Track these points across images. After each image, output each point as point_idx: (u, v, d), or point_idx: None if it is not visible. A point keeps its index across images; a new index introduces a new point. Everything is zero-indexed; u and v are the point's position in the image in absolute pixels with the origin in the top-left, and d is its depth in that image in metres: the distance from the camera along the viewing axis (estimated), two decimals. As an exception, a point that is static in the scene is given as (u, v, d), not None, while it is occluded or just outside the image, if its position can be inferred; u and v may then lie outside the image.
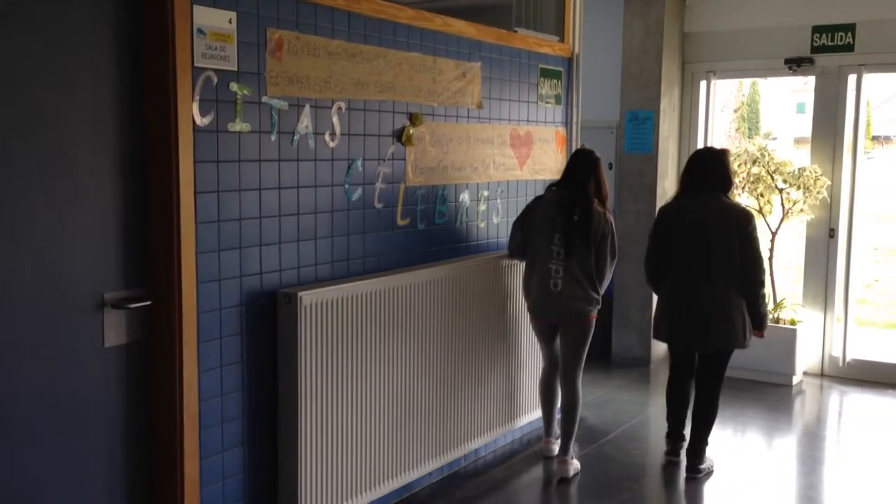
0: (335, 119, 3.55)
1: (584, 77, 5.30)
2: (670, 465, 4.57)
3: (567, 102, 5.20)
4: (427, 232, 4.15)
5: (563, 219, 4.22)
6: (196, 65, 2.93)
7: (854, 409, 5.74)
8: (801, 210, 6.06)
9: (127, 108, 2.86)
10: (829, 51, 6.06)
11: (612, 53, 6.54)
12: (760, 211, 6.12)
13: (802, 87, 15.02)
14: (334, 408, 3.44)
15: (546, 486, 4.38)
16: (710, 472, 4.44)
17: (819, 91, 6.24)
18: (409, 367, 3.85)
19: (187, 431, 3.00)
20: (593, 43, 5.94)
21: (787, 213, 6.10)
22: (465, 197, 4.40)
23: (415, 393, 3.90)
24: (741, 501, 4.18)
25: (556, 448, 4.50)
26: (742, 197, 6.11)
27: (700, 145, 6.53)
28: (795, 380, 6.06)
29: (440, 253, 4.23)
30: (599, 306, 4.32)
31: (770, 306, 6.08)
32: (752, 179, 6.12)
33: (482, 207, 4.55)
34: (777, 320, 6.08)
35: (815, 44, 6.11)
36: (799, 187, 5.99)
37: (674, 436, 4.62)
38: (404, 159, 3.96)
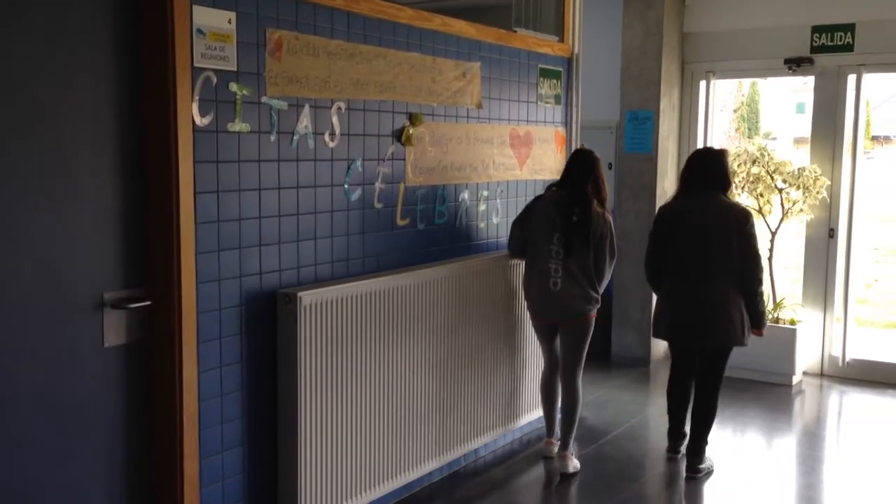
0: (335, 119, 3.55)
1: (583, 77, 5.30)
2: (671, 464, 4.57)
3: (567, 102, 5.20)
4: (427, 232, 4.15)
5: (563, 219, 4.24)
6: (195, 65, 2.93)
7: (854, 408, 5.74)
8: (801, 210, 6.06)
9: (127, 108, 2.86)
10: (828, 51, 6.07)
11: (612, 53, 6.54)
12: (760, 211, 6.12)
13: (802, 87, 15.02)
14: (334, 408, 3.44)
15: (546, 487, 4.38)
16: (709, 472, 4.44)
17: (818, 91, 6.24)
18: (409, 368, 3.85)
19: (187, 431, 3.00)
20: (593, 43, 5.94)
21: (787, 213, 6.10)
22: (464, 197, 4.40)
23: (414, 393, 3.90)
24: (741, 501, 4.18)
25: (556, 449, 4.50)
26: (742, 197, 6.11)
27: (700, 145, 6.53)
28: (795, 380, 6.06)
29: (440, 253, 4.23)
30: (599, 305, 4.34)
31: (770, 306, 6.08)
32: (751, 179, 6.12)
33: (482, 207, 4.55)
34: (777, 320, 6.08)
35: (814, 44, 6.11)
36: (798, 187, 5.99)
37: (675, 434, 4.63)
38: (404, 159, 3.96)
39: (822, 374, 6.29)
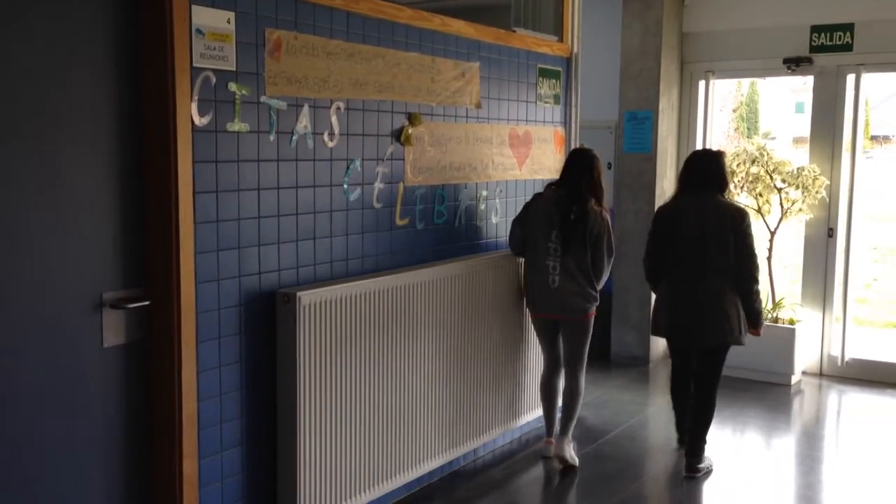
0: (334, 119, 3.55)
1: (582, 77, 5.30)
2: (671, 463, 4.59)
3: (566, 102, 5.20)
4: (426, 232, 4.15)
5: (560, 217, 4.28)
6: (194, 65, 2.93)
7: (853, 408, 5.74)
8: (800, 210, 6.06)
9: (125, 107, 2.86)
10: (827, 50, 6.07)
11: (611, 53, 6.54)
12: (759, 210, 6.13)
13: (801, 87, 15.03)
14: (333, 408, 3.44)
15: (545, 486, 4.39)
16: (708, 472, 4.44)
17: (818, 91, 6.24)
18: (408, 367, 3.85)
19: (186, 431, 3.00)
20: (592, 43, 5.94)
21: (786, 212, 6.10)
22: (463, 197, 4.40)
23: (413, 393, 3.90)
24: (740, 501, 4.18)
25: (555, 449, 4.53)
26: (741, 196, 6.12)
27: (699, 145, 6.56)
28: (794, 379, 6.06)
29: (439, 253, 4.23)
30: (598, 303, 4.39)
31: (769, 306, 6.08)
32: (750, 179, 6.12)
33: (481, 207, 4.55)
34: (776, 320, 6.08)
35: (813, 43, 6.11)
36: (798, 187, 5.99)
37: (682, 427, 4.70)
38: (403, 159, 3.96)
39: (821, 374, 6.29)
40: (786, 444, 5.06)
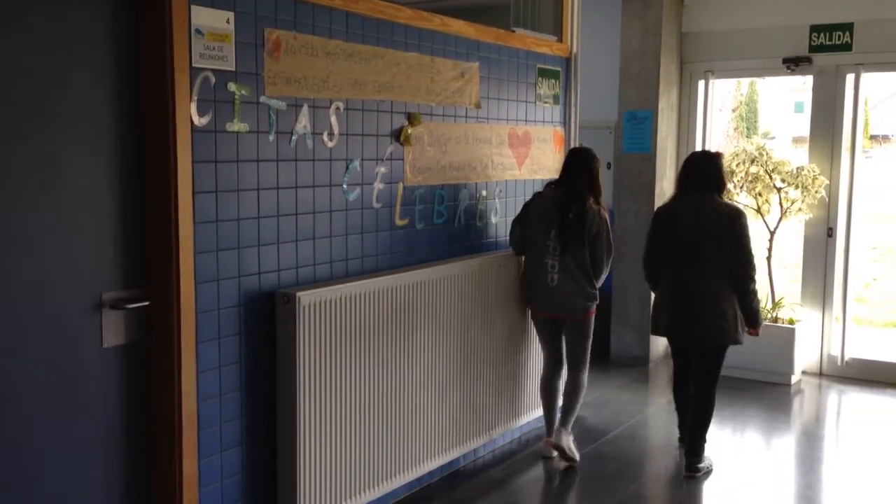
0: (333, 119, 3.55)
1: (582, 77, 5.30)
2: (671, 463, 4.60)
3: (565, 102, 5.21)
4: (425, 232, 4.15)
5: (559, 215, 4.31)
6: (194, 65, 2.93)
7: (852, 408, 5.74)
8: (800, 209, 6.06)
9: (125, 108, 2.86)
10: (826, 50, 6.07)
11: (611, 53, 6.54)
12: (759, 210, 6.13)
13: (801, 87, 15.03)
14: (333, 408, 3.44)
15: (545, 486, 4.39)
16: (708, 472, 4.44)
17: (817, 90, 6.24)
18: (408, 368, 3.85)
19: (186, 432, 3.00)
20: (591, 43, 5.94)
21: (786, 212, 6.10)
22: (463, 197, 4.40)
23: (413, 393, 3.90)
24: (740, 501, 4.18)
25: (555, 451, 4.53)
26: (740, 196, 6.12)
27: (699, 145, 6.58)
28: (794, 379, 6.06)
29: (438, 253, 4.23)
30: (597, 301, 4.43)
31: (769, 306, 6.09)
32: (750, 179, 6.12)
33: (481, 207, 4.55)
34: (776, 320, 6.08)
35: (812, 43, 6.11)
36: (797, 186, 5.99)
37: (683, 428, 4.72)
38: (402, 159, 3.96)
39: (820, 374, 6.29)
40: (786, 444, 5.06)
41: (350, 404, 3.53)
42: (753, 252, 4.33)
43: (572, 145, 5.18)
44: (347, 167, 3.64)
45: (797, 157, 7.02)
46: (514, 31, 4.73)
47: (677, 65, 6.61)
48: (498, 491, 4.21)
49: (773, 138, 18.13)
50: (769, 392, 5.85)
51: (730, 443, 4.99)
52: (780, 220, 6.15)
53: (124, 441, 2.95)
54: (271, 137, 3.27)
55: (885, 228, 12.88)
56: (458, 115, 4.31)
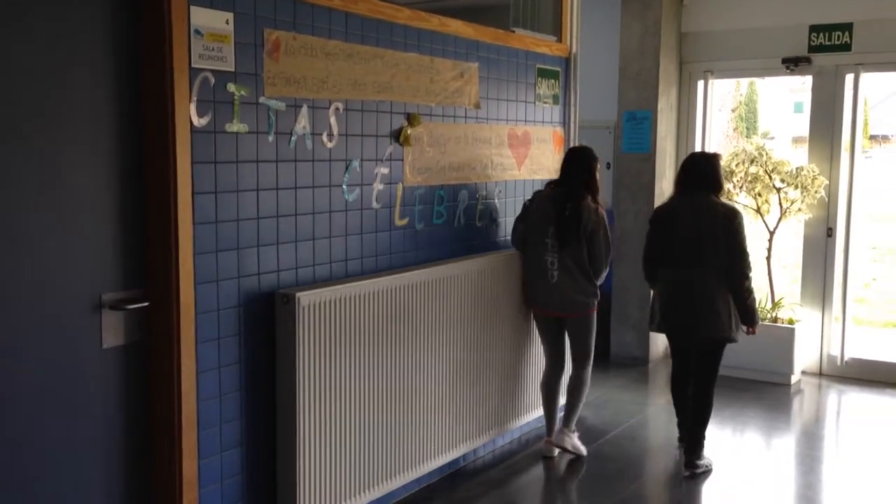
0: (333, 119, 3.55)
1: (581, 77, 5.30)
2: (670, 463, 4.60)
3: (565, 102, 5.21)
4: (425, 232, 4.15)
5: (556, 213, 4.35)
6: (193, 65, 2.93)
7: (852, 408, 5.74)
8: (799, 209, 6.06)
9: (125, 108, 2.86)
10: (826, 50, 6.07)
11: (610, 53, 6.54)
12: (758, 210, 6.13)
13: (800, 87, 15.04)
14: (332, 408, 3.44)
15: (545, 486, 4.39)
16: (708, 471, 4.44)
17: (816, 90, 6.24)
18: (408, 368, 3.85)
19: (185, 432, 3.00)
20: (591, 43, 5.94)
21: (785, 212, 6.10)
22: (463, 197, 4.40)
23: (413, 393, 3.90)
24: (740, 501, 4.18)
25: (556, 450, 4.54)
26: (740, 196, 6.13)
27: (698, 145, 6.58)
28: (794, 379, 6.06)
29: (438, 253, 4.23)
30: (598, 298, 4.46)
31: (768, 306, 6.09)
32: (749, 179, 6.12)
33: (480, 208, 4.55)
34: (775, 319, 6.09)
35: (812, 43, 6.11)
36: (797, 186, 5.99)
37: (682, 427, 4.72)
38: (402, 160, 3.96)
39: (820, 374, 6.29)
40: (786, 444, 5.06)
41: (350, 405, 3.53)
42: (749, 251, 4.36)
43: (572, 145, 5.18)
44: (347, 168, 3.64)
45: (797, 157, 7.03)
46: (513, 32, 4.73)
47: (676, 65, 6.61)
48: (498, 491, 4.21)
49: (772, 138, 18.15)
50: (769, 392, 5.85)
51: (730, 443, 4.99)
52: (780, 220, 6.16)
53: (124, 441, 2.95)
54: (271, 138, 3.27)
55: (885, 228, 12.89)
56: (458, 115, 4.31)
